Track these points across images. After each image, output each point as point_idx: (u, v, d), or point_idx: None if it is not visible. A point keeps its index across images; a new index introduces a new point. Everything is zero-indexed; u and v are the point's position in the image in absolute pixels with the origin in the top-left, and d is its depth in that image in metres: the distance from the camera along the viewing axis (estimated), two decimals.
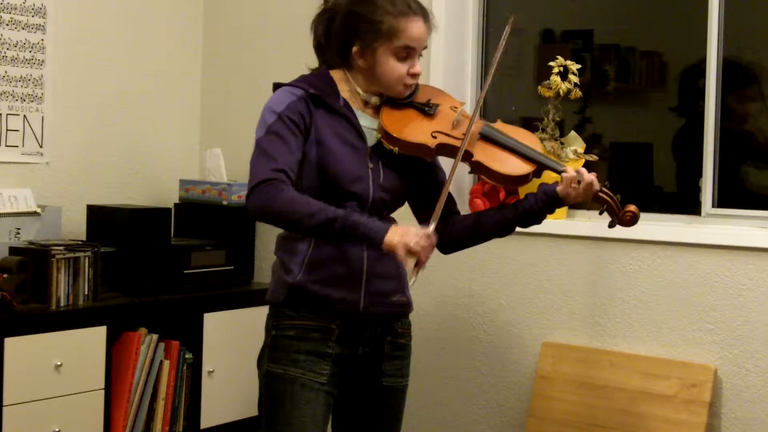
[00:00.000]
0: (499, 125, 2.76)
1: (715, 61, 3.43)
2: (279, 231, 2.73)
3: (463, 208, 3.70)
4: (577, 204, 2.72)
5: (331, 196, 2.57)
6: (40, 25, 3.79)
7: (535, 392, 3.54)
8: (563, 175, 2.65)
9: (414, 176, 2.72)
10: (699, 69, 3.52)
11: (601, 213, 2.72)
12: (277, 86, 2.67)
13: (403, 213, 2.79)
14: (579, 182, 2.63)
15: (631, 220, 2.70)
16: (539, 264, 3.62)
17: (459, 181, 3.79)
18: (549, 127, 3.60)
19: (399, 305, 2.72)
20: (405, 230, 2.44)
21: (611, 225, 2.74)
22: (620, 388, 3.39)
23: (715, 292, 3.31)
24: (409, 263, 2.44)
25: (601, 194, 2.67)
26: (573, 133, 3.65)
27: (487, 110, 3.96)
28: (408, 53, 2.62)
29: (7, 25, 3.69)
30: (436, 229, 2.50)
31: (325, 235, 2.49)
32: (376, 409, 2.75)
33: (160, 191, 4.22)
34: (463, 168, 2.73)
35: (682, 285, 3.36)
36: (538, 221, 2.73)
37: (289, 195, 2.47)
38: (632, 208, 2.69)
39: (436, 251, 2.73)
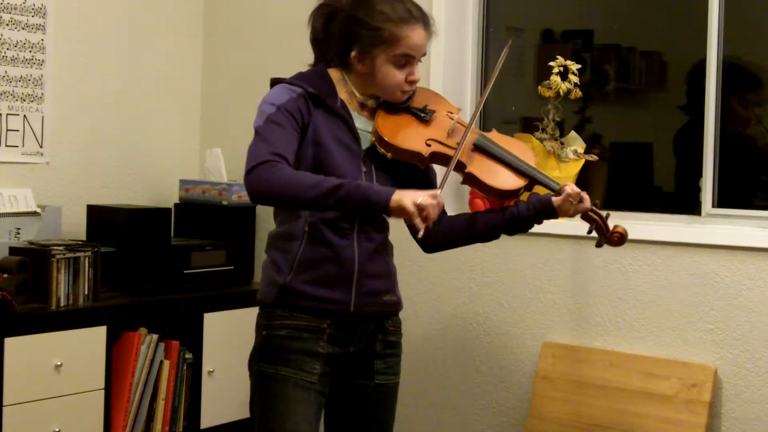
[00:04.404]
0: (494, 135, 2.75)
1: (715, 62, 3.43)
2: (273, 229, 2.72)
3: (464, 208, 3.71)
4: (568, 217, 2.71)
5: None
6: (40, 25, 3.79)
7: (535, 392, 3.54)
8: (566, 189, 2.64)
9: (406, 180, 2.71)
10: (699, 69, 3.52)
11: (589, 232, 2.70)
12: (274, 82, 2.66)
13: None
14: (581, 200, 2.64)
15: (619, 241, 2.69)
16: (539, 264, 3.62)
17: (459, 181, 3.78)
18: (549, 127, 3.60)
19: (389, 304, 2.72)
20: (411, 191, 2.43)
21: (598, 244, 2.73)
22: (620, 388, 3.39)
23: (715, 292, 3.31)
24: (417, 219, 2.39)
25: (590, 213, 2.66)
26: (573, 133, 3.65)
27: (488, 111, 3.96)
28: (407, 60, 2.60)
29: (7, 25, 3.69)
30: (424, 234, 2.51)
31: (330, 203, 2.44)
32: (369, 408, 2.74)
33: (160, 191, 4.22)
34: (458, 176, 2.72)
35: (682, 285, 3.36)
36: (524, 230, 2.71)
37: (289, 171, 2.45)
38: (620, 228, 2.69)
39: (418, 250, 2.74)
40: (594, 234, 2.71)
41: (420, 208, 2.39)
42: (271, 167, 2.45)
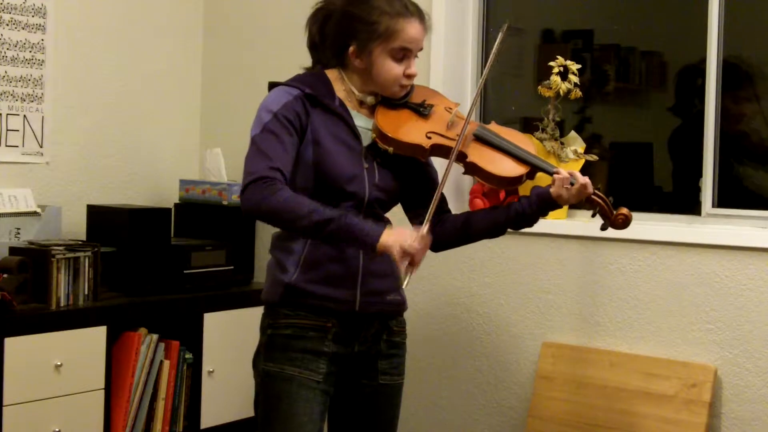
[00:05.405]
0: (494, 126, 2.77)
1: (715, 62, 3.43)
2: (277, 229, 2.73)
3: (463, 208, 3.71)
4: (575, 205, 2.72)
5: (327, 196, 2.57)
6: (40, 25, 3.79)
7: (535, 392, 3.54)
8: (555, 176, 2.65)
9: (408, 175, 2.73)
10: (699, 69, 3.52)
11: (593, 215, 2.72)
12: (272, 85, 2.67)
13: (397, 213, 2.80)
14: (572, 183, 2.64)
15: (624, 223, 2.70)
16: (539, 264, 3.62)
17: (459, 181, 3.79)
18: (549, 127, 3.60)
19: (394, 304, 2.73)
20: (400, 231, 2.45)
21: (603, 228, 2.75)
22: (620, 388, 3.39)
23: (715, 292, 3.31)
24: (403, 264, 2.44)
25: (593, 197, 2.67)
26: (573, 133, 3.65)
27: (487, 110, 3.96)
28: (404, 54, 2.62)
29: (7, 25, 3.69)
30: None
31: (319, 236, 2.49)
32: (373, 408, 2.75)
33: (160, 191, 4.22)
34: (459, 169, 2.73)
35: (682, 285, 3.36)
36: (530, 224, 2.72)
37: (285, 194, 2.47)
38: (624, 211, 2.69)
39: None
40: (599, 218, 2.72)
41: (406, 254, 2.41)
42: (267, 187, 2.47)
